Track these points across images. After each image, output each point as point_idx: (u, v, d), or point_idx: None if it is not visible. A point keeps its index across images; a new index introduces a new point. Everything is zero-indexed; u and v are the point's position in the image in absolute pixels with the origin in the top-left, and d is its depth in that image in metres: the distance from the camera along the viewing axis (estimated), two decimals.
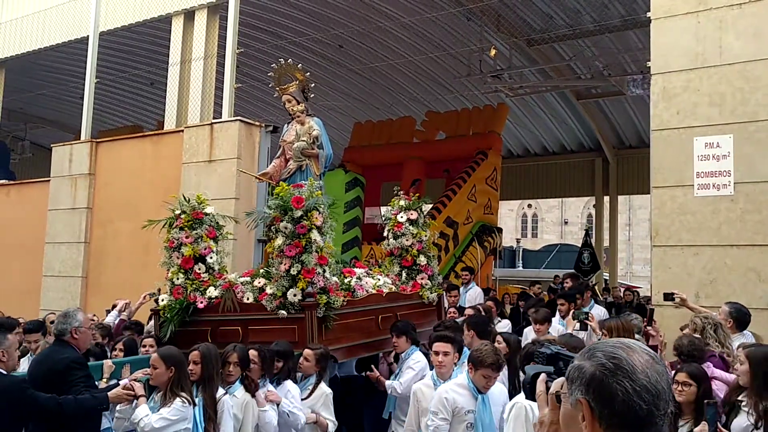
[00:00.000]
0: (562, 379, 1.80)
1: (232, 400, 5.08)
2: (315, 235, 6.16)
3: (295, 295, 6.09)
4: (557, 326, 7.66)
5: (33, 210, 13.58)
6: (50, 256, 13.07)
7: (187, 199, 6.88)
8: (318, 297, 6.12)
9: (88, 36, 13.49)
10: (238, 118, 11.01)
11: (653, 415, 1.59)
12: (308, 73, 7.92)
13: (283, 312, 6.10)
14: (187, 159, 11.27)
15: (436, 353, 5.31)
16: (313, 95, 8.02)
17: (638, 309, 14.01)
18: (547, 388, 1.89)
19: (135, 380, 5.06)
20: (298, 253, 6.12)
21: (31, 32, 14.85)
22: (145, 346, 6.41)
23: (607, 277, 22.27)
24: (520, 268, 37.94)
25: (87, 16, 13.54)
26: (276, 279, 6.26)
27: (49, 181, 13.42)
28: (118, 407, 5.00)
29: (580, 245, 21.33)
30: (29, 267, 13.26)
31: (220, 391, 5.02)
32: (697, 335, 5.51)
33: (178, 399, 4.67)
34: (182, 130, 11.58)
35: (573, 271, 18.19)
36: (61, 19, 14.27)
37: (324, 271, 6.26)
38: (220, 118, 11.34)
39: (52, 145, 13.86)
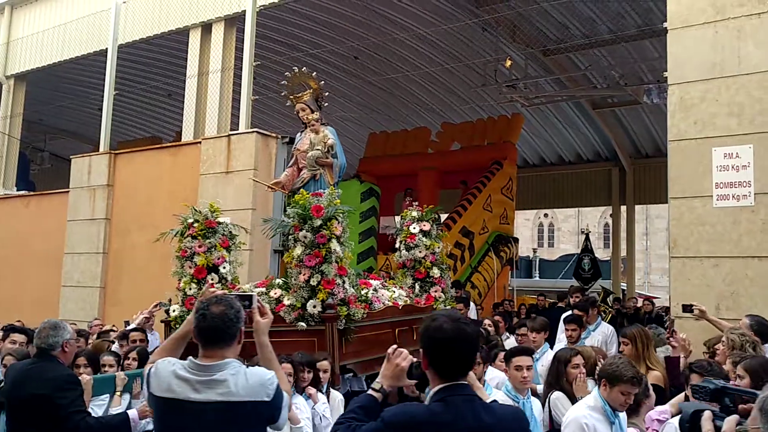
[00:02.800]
0: (736, 417, 1.71)
1: None
2: (335, 244, 6.05)
3: (314, 307, 5.96)
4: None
5: (52, 221, 13.71)
6: (69, 267, 13.17)
7: (198, 210, 6.81)
8: (338, 309, 5.99)
9: (107, 49, 13.66)
10: (255, 129, 11.09)
11: None
12: (322, 82, 7.83)
13: (303, 324, 5.97)
14: (205, 170, 11.35)
15: (519, 368, 5.02)
16: (327, 104, 7.91)
17: (656, 320, 13.91)
18: (717, 428, 1.80)
19: None
20: (318, 263, 6.00)
21: (52, 45, 15.05)
22: None
23: (625, 287, 22.11)
24: (537, 278, 37.75)
25: (106, 30, 13.70)
26: (294, 290, 6.13)
27: (68, 192, 13.55)
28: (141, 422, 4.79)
29: (597, 254, 21.02)
30: (48, 277, 13.37)
31: None
32: (736, 352, 5.27)
33: None
34: (200, 142, 11.67)
35: (580, 284, 17.97)
36: (81, 32, 14.46)
37: (344, 282, 6.14)
38: (237, 129, 11.43)
39: (71, 157, 14.01)
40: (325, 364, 5.60)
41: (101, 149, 13.41)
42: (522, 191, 18.95)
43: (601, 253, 44.53)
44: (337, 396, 5.67)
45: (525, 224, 49.02)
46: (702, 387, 1.95)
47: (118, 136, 18.15)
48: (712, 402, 1.87)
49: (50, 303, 12.99)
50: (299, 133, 7.88)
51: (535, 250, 46.29)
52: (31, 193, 15.80)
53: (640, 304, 16.77)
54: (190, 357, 3.13)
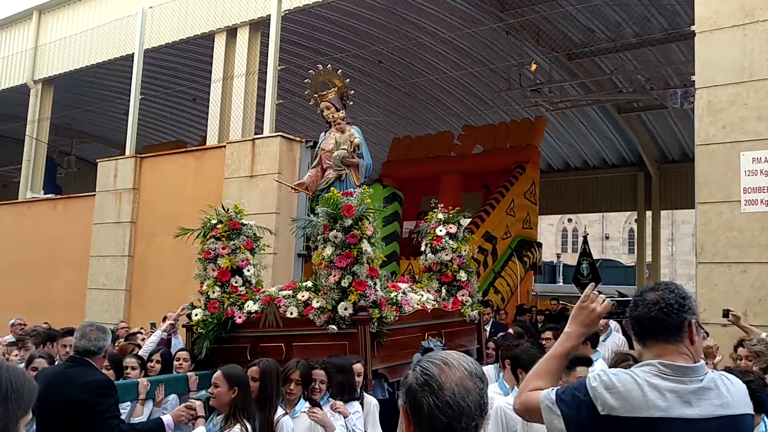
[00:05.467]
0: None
1: (296, 422, 4.68)
2: (366, 245, 5.83)
3: (346, 309, 5.75)
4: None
5: (78, 224, 13.84)
6: (95, 270, 13.29)
7: (225, 208, 6.61)
8: (371, 311, 5.77)
9: (133, 53, 13.77)
10: (280, 133, 11.13)
11: (453, 428, 1.72)
12: (348, 80, 7.67)
13: (334, 327, 5.76)
14: (229, 174, 11.41)
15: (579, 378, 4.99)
16: (351, 102, 7.73)
17: None
18: None
19: (197, 398, 4.72)
20: (349, 264, 5.78)
21: (79, 50, 15.22)
22: (179, 359, 6.12)
23: None
24: (561, 284, 37.44)
25: (132, 35, 13.82)
26: (324, 292, 5.91)
27: (94, 195, 13.67)
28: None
29: (622, 259, 20.70)
30: (75, 280, 13.51)
31: (279, 411, 4.60)
32: (764, 358, 5.10)
33: (237, 426, 4.21)
34: (224, 146, 11.74)
35: (618, 293, 17.69)
36: (107, 37, 14.61)
37: (375, 284, 5.93)
38: (262, 133, 11.47)
39: (97, 160, 14.14)
40: (359, 368, 5.40)
41: (127, 153, 13.53)
42: (546, 196, 18.82)
43: (626, 259, 44.24)
44: (371, 401, 5.47)
45: (549, 229, 48.75)
46: (423, 346, 2.23)
47: (143, 140, 18.31)
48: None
49: (77, 305, 13.12)
50: (323, 133, 7.69)
51: (558, 255, 46.00)
52: (58, 196, 15.97)
53: None
54: (660, 360, 2.31)
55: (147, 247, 12.58)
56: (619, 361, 5.08)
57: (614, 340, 7.86)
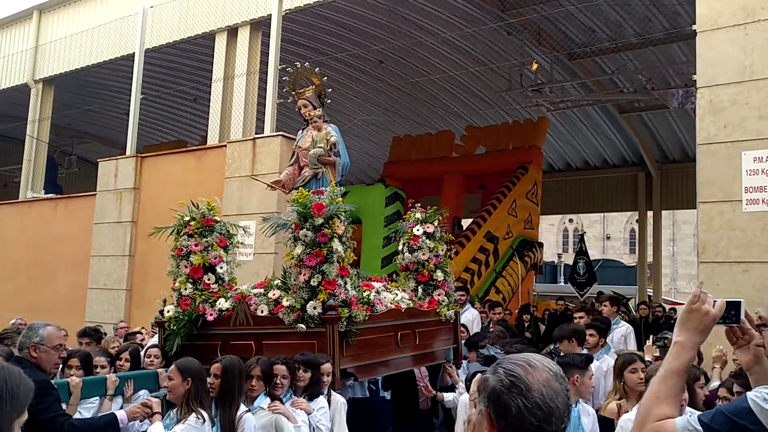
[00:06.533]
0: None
1: (258, 418, 4.72)
2: (336, 244, 5.79)
3: (315, 308, 5.69)
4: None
5: (79, 223, 13.85)
6: (95, 269, 13.29)
7: (196, 205, 6.58)
8: (340, 310, 5.72)
9: (134, 53, 13.77)
10: (280, 133, 11.13)
11: (543, 431, 1.69)
12: (325, 78, 7.59)
13: (303, 326, 5.72)
14: (230, 173, 11.41)
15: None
16: (329, 101, 7.63)
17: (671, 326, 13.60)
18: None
19: (154, 396, 4.79)
20: (319, 262, 5.73)
21: (80, 50, 15.22)
22: (149, 356, 6.11)
23: (651, 293, 21.87)
24: (562, 284, 37.41)
25: (133, 34, 13.82)
26: (294, 290, 5.86)
27: (95, 195, 13.68)
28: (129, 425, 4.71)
29: (623, 260, 20.58)
30: (75, 279, 13.51)
31: (242, 408, 4.63)
32: None
33: (192, 415, 4.28)
34: (225, 145, 11.74)
35: (614, 293, 17.56)
36: (108, 36, 14.61)
37: (345, 282, 5.89)
38: (263, 133, 11.47)
39: (98, 160, 14.15)
40: (327, 367, 5.45)
41: (128, 153, 13.52)
42: (547, 196, 18.80)
43: (627, 259, 44.20)
44: (339, 399, 5.51)
45: (550, 229, 48.71)
46: (480, 353, 2.08)
47: (144, 140, 18.31)
48: (485, 366, 2.03)
49: (78, 305, 13.12)
50: (300, 131, 7.62)
51: (559, 256, 45.94)
52: (59, 196, 15.97)
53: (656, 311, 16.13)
54: None
55: (147, 246, 12.56)
56: (626, 363, 4.99)
57: (620, 331, 7.86)
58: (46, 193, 15.89)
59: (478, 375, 2.02)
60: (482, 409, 1.78)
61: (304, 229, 5.82)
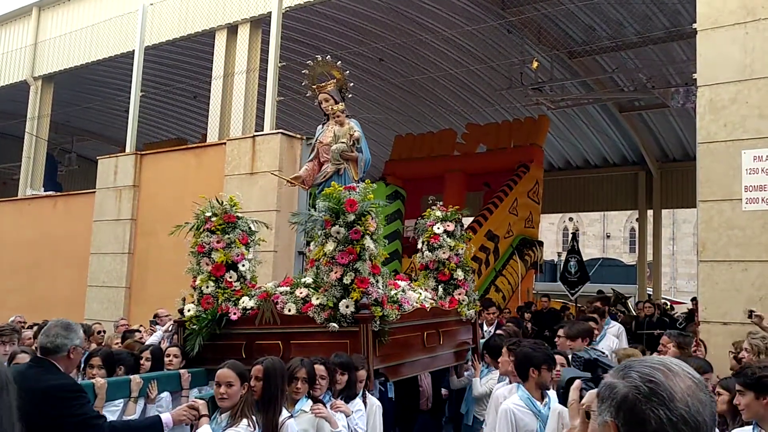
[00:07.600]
0: (595, 392, 1.63)
1: (299, 422, 4.54)
2: (368, 241, 5.65)
3: (347, 307, 5.54)
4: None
5: (79, 221, 13.83)
6: (95, 267, 13.28)
7: (219, 200, 6.41)
8: (373, 309, 5.58)
9: (133, 50, 13.76)
10: (280, 130, 11.11)
11: None
12: (347, 72, 7.51)
13: (335, 325, 5.55)
14: (230, 171, 11.40)
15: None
16: (350, 95, 7.55)
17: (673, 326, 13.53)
18: (581, 397, 1.74)
19: (200, 398, 4.60)
20: (352, 260, 5.59)
21: (79, 47, 15.21)
22: (168, 356, 5.95)
23: (651, 292, 21.87)
24: (561, 283, 37.42)
25: (133, 31, 13.81)
26: (325, 288, 5.71)
27: (94, 192, 13.67)
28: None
29: (623, 258, 20.56)
30: (75, 277, 13.50)
31: (284, 413, 4.42)
32: (763, 357, 5.02)
33: (244, 420, 4.14)
34: (225, 143, 11.72)
35: (613, 291, 17.53)
36: (107, 34, 14.59)
37: (377, 281, 5.75)
38: (262, 130, 11.46)
39: (97, 158, 14.13)
40: (362, 374, 5.31)
41: (127, 150, 13.51)
42: (547, 195, 18.76)
43: (627, 258, 44.20)
44: (374, 402, 5.41)
45: (550, 228, 48.67)
46: (579, 356, 1.92)
47: (144, 137, 18.30)
48: (586, 371, 1.85)
49: (77, 303, 13.11)
50: (320, 126, 7.46)
51: (559, 254, 45.89)
52: (59, 193, 15.96)
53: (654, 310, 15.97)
54: None
55: (147, 244, 12.57)
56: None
57: (608, 342, 7.71)
58: (45, 191, 15.88)
59: (578, 381, 1.78)
60: (607, 420, 1.51)
61: (337, 226, 5.67)
